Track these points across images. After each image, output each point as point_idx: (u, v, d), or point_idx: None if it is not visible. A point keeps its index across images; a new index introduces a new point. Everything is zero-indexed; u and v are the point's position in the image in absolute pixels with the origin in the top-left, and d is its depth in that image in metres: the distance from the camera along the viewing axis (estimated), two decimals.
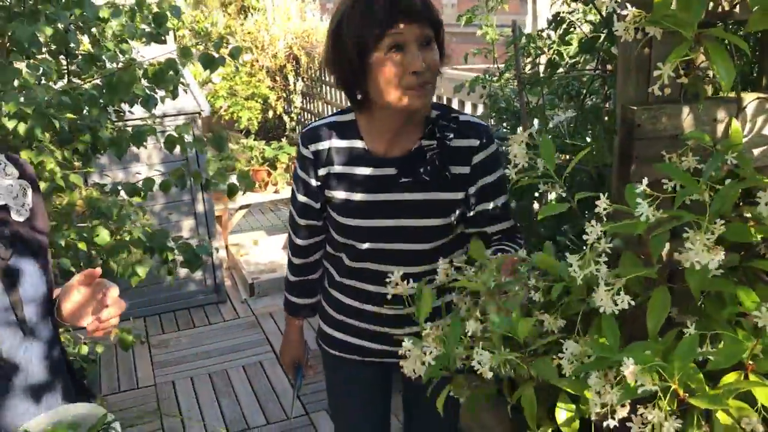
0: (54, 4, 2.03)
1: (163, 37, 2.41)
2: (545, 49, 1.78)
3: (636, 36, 0.97)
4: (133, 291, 4.05)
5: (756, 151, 1.11)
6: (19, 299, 1.23)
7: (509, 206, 1.61)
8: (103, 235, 1.97)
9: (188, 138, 2.34)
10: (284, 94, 6.78)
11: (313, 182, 1.57)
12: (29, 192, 1.32)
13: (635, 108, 1.05)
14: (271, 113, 6.78)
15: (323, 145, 1.53)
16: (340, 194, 1.54)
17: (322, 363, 1.84)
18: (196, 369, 3.59)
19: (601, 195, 0.92)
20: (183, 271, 4.25)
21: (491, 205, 1.54)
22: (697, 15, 0.89)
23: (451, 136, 1.49)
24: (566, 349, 0.96)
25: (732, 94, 1.09)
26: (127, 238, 2.01)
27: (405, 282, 1.25)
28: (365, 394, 1.78)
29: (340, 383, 1.81)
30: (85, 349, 2.88)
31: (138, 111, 2.44)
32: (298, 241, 1.71)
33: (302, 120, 6.91)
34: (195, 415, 3.19)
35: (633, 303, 0.90)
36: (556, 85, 1.84)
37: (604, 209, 0.91)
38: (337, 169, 1.53)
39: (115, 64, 2.21)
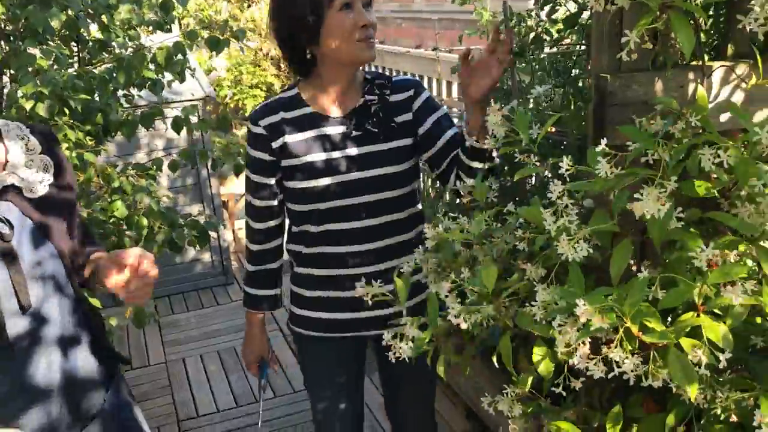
0: None
1: (168, 25, 2.49)
2: (535, 28, 1.86)
3: (606, 7, 1.06)
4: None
5: (722, 117, 1.20)
6: (48, 256, 1.30)
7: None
8: (121, 209, 2.07)
9: (194, 120, 2.43)
10: (288, 82, 6.86)
11: (267, 157, 1.65)
12: (51, 168, 1.36)
13: (607, 76, 1.13)
14: None
15: (274, 119, 1.64)
16: (297, 160, 1.63)
17: (297, 346, 1.89)
18: (206, 347, 3.70)
19: (565, 157, 1.01)
20: (191, 254, 4.37)
21: (452, 131, 1.68)
22: None
23: (389, 92, 1.66)
24: (538, 297, 1.05)
25: (706, 62, 1.17)
26: (141, 212, 2.10)
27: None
28: (340, 370, 1.83)
29: (315, 362, 1.85)
30: None
31: (149, 98, 2.54)
32: (255, 225, 1.76)
33: None
34: (205, 390, 3.30)
35: (590, 251, 0.99)
36: (546, 63, 1.92)
37: (566, 170, 1.00)
38: (290, 137, 1.63)
39: (124, 50, 2.29)
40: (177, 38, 2.37)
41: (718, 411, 1.02)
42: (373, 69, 5.33)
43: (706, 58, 1.25)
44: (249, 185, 1.73)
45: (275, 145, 1.63)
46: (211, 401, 3.21)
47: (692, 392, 0.94)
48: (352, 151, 1.61)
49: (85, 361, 1.40)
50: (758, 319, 1.14)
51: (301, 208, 1.65)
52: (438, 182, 1.72)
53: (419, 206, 1.77)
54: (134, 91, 2.50)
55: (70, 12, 2.22)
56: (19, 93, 1.97)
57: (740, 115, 1.01)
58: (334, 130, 1.62)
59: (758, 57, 1.11)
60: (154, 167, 2.36)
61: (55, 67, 2.13)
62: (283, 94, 1.69)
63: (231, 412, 3.12)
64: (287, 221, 1.79)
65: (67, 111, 1.98)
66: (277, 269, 1.82)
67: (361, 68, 1.68)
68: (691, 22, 1.05)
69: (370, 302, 1.29)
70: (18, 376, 1.29)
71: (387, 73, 4.62)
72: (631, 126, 1.05)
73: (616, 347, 0.96)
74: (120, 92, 2.44)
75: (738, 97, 1.20)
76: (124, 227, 2.09)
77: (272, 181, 1.68)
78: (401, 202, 1.66)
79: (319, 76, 1.62)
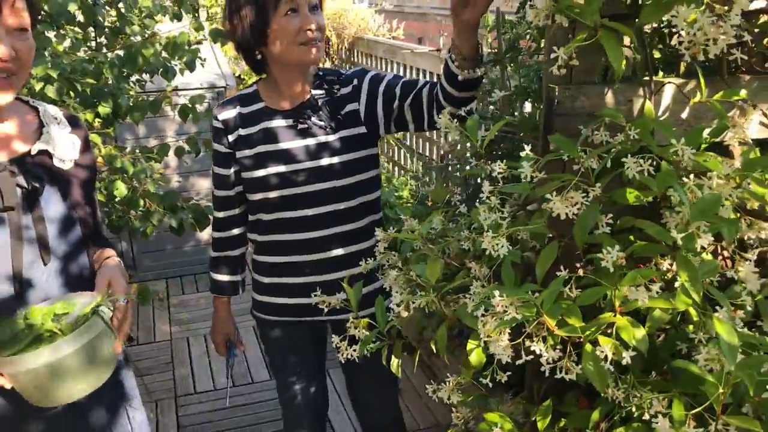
0: None
1: (180, 16, 2.59)
2: (523, 34, 1.91)
3: (555, 21, 1.12)
4: (158, 254, 4.31)
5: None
6: (39, 218, 1.37)
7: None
8: (121, 189, 2.17)
9: (200, 108, 2.52)
10: None
11: (224, 149, 1.77)
12: (78, 146, 1.49)
13: (555, 87, 1.19)
14: None
15: (231, 113, 1.76)
16: (249, 151, 1.74)
17: (260, 332, 1.99)
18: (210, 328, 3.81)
19: (499, 161, 1.08)
20: (205, 238, 4.49)
21: (401, 86, 1.72)
22: (596, 7, 1.03)
23: (338, 87, 1.73)
24: (472, 291, 1.11)
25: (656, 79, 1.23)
26: (138, 193, 2.21)
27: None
28: (298, 353, 1.93)
29: (278, 346, 1.94)
30: None
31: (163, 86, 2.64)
32: (217, 214, 1.89)
33: None
34: (204, 369, 3.41)
35: (510, 248, 1.05)
36: (535, 68, 1.96)
37: (499, 173, 1.07)
38: (245, 131, 1.74)
39: (138, 38, 2.40)
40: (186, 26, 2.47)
41: (633, 409, 1.07)
42: (393, 67, 5.39)
43: (661, 74, 1.30)
44: (213, 177, 1.85)
45: (231, 138, 1.75)
46: (209, 379, 3.32)
47: (600, 387, 1.01)
48: (298, 142, 1.71)
49: None
50: (690, 327, 1.20)
51: (254, 197, 1.76)
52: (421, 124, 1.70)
53: (374, 195, 1.84)
54: (146, 77, 2.60)
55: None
56: (33, 73, 2.08)
57: (664, 129, 1.06)
58: (282, 123, 1.72)
59: (701, 76, 1.15)
60: (159, 155, 2.47)
61: (68, 50, 2.24)
62: (243, 91, 1.81)
63: (225, 392, 3.22)
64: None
65: (72, 94, 2.08)
66: (239, 256, 1.93)
67: (313, 66, 1.76)
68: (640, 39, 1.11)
69: (318, 289, 1.38)
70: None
71: (401, 72, 4.69)
72: (556, 135, 1.11)
73: (538, 341, 1.03)
74: (133, 78, 2.54)
75: (689, 113, 1.25)
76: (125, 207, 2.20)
77: (229, 171, 1.80)
78: (350, 191, 1.74)
79: (271, 74, 1.72)
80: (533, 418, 1.34)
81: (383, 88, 1.72)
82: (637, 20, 1.06)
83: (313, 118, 1.69)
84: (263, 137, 1.72)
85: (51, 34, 2.18)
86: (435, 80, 1.64)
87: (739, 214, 1.10)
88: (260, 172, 1.71)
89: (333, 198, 1.73)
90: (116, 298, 1.37)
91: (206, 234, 4.45)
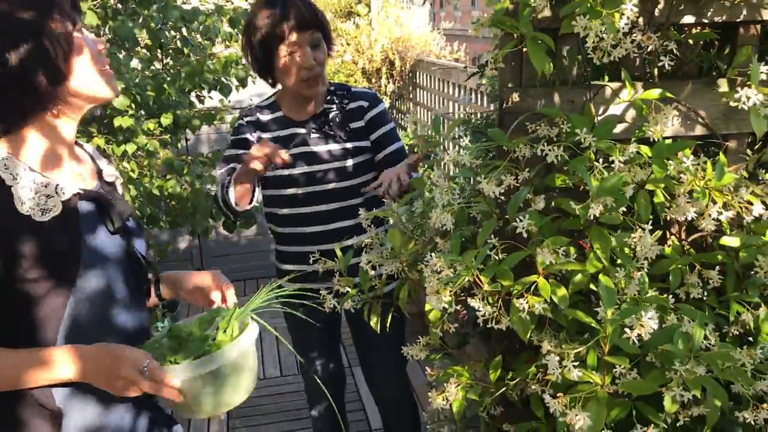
0: (147, 8, 2.59)
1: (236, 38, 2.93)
2: None
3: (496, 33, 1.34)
4: (224, 258, 4.69)
5: (618, 128, 1.44)
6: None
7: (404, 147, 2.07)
8: (175, 186, 2.50)
9: None
10: (379, 95, 7.28)
11: (246, 136, 2.01)
12: (119, 180, 1.48)
13: (507, 89, 1.41)
14: None
15: (253, 118, 2.04)
16: None
17: (284, 316, 2.21)
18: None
19: (451, 150, 1.30)
20: (265, 244, 4.83)
21: (393, 148, 2.02)
22: (525, 21, 1.25)
23: (347, 101, 1.97)
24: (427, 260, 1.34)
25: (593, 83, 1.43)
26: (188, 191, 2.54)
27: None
28: (316, 332, 2.17)
29: (296, 326, 2.19)
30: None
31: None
32: (217, 172, 2.06)
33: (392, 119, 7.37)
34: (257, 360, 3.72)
35: (453, 223, 1.27)
36: None
37: (449, 160, 1.30)
38: (265, 134, 2.01)
39: (193, 57, 2.75)
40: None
41: (557, 359, 1.27)
42: (449, 88, 5.63)
43: (607, 78, 1.50)
44: (222, 159, 2.06)
45: (254, 136, 2.02)
46: (260, 370, 3.62)
47: (522, 336, 1.21)
48: (311, 148, 1.97)
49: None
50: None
51: (270, 192, 2.02)
52: None
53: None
54: (204, 93, 2.95)
55: (153, 24, 2.69)
56: None
57: (574, 120, 1.26)
58: (298, 131, 1.99)
59: (627, 80, 1.35)
60: (211, 162, 2.80)
61: (138, 68, 2.60)
62: (262, 102, 2.10)
63: (275, 380, 3.51)
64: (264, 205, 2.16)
65: (133, 105, 2.43)
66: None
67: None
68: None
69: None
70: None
71: (455, 92, 4.92)
72: (495, 130, 1.32)
73: (477, 298, 1.25)
74: (193, 93, 2.89)
75: (630, 114, 1.44)
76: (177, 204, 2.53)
77: (239, 150, 2.02)
78: (355, 190, 2.00)
79: (285, 89, 2.01)
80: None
81: (379, 138, 2.03)
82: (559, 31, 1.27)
83: (325, 128, 1.96)
84: (282, 141, 1.99)
85: (121, 55, 2.54)
86: None
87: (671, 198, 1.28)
88: (277, 172, 1.99)
89: (341, 197, 2.00)
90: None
91: (267, 241, 4.80)
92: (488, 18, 1.28)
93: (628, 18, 1.13)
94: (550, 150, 1.23)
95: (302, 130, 2.00)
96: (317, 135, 1.98)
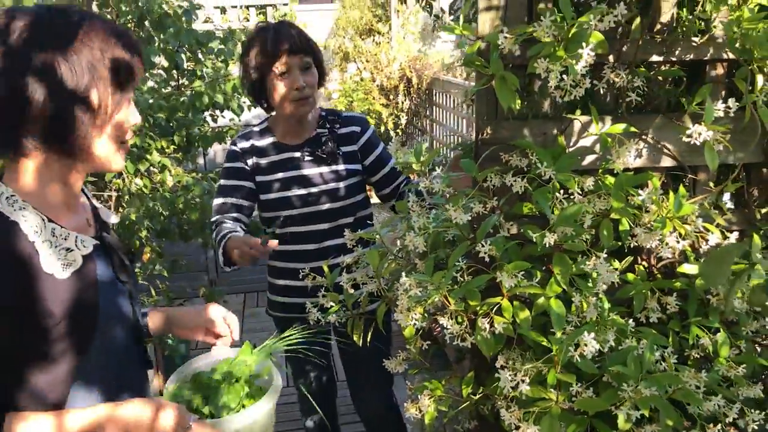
0: (163, 32, 2.72)
1: None
2: None
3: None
4: (239, 270, 4.81)
5: (587, 160, 1.53)
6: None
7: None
8: (180, 203, 2.63)
9: None
10: (396, 112, 7.41)
11: (239, 165, 2.11)
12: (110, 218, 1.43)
13: (482, 121, 1.50)
14: (383, 128, 7.42)
15: (246, 145, 2.13)
16: (265, 177, 2.10)
17: (276, 328, 2.30)
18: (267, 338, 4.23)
19: (425, 178, 1.40)
20: None
21: (388, 168, 2.14)
22: (494, 62, 1.34)
23: (338, 126, 2.09)
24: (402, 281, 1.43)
25: (565, 116, 1.52)
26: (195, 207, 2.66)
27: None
28: (312, 345, 2.23)
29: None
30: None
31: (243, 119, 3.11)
32: (213, 219, 2.09)
33: (408, 136, 7.49)
34: None
35: (426, 246, 1.36)
36: None
37: (424, 187, 1.39)
38: (260, 160, 2.11)
39: (206, 79, 2.88)
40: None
41: (518, 375, 1.35)
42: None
43: (579, 112, 1.59)
44: (218, 190, 2.14)
45: (250, 162, 2.11)
46: None
47: (485, 353, 1.30)
48: (306, 171, 2.08)
49: None
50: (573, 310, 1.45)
51: (267, 214, 2.12)
52: (380, 200, 2.22)
53: (367, 212, 2.22)
54: (217, 112, 3.07)
55: (170, 47, 2.82)
56: None
57: (539, 152, 1.34)
58: (292, 155, 2.09)
59: (594, 114, 1.43)
60: (216, 173, 2.93)
61: (152, 90, 2.73)
62: (255, 127, 2.20)
63: (282, 390, 3.60)
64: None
65: (147, 125, 2.56)
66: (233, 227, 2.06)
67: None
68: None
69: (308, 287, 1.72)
70: None
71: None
72: (466, 160, 1.41)
73: (445, 317, 1.34)
74: (207, 112, 3.02)
75: (598, 146, 1.52)
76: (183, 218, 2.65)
77: (236, 182, 2.10)
78: (350, 209, 2.10)
79: (278, 115, 2.11)
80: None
81: (373, 161, 2.15)
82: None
83: (318, 152, 2.07)
84: (277, 166, 2.10)
85: None
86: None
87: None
88: (276, 195, 2.10)
89: (336, 215, 2.10)
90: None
91: None
92: (461, 58, 1.37)
93: (586, 62, 1.22)
94: (515, 181, 1.32)
95: (296, 155, 2.10)
96: (310, 159, 2.09)
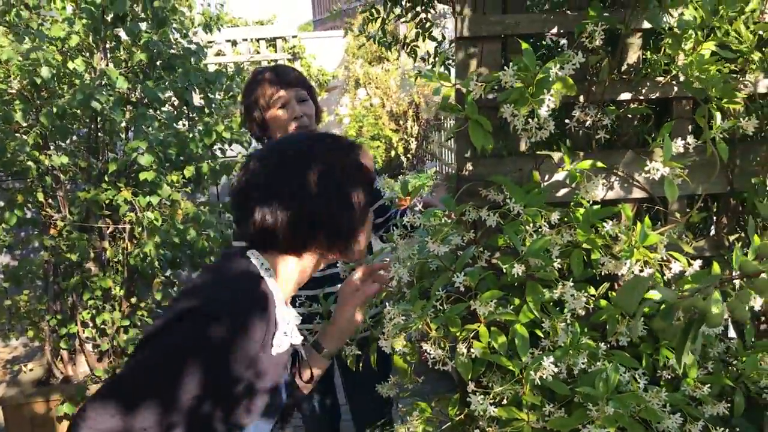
0: (172, 72, 2.87)
1: None
2: None
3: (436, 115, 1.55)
4: None
5: (555, 192, 1.63)
6: None
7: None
8: (193, 234, 2.75)
9: None
10: (405, 137, 7.55)
11: None
12: None
13: (462, 158, 1.61)
14: (393, 153, 7.57)
15: None
16: None
17: None
18: None
19: (409, 212, 1.51)
20: None
21: (382, 200, 2.24)
22: (469, 106, 1.46)
23: None
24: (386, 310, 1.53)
25: (539, 153, 1.62)
26: (206, 240, 2.79)
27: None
28: None
29: None
30: None
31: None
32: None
33: (418, 160, 7.62)
34: None
35: (410, 277, 1.46)
36: None
37: (407, 221, 1.50)
38: None
39: (216, 116, 3.02)
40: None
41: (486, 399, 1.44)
42: None
43: (554, 148, 1.69)
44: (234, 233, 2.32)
45: None
46: None
47: (464, 377, 1.39)
48: None
49: None
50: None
51: None
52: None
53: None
54: (226, 146, 3.21)
55: (179, 85, 2.97)
56: (132, 144, 2.72)
57: (509, 189, 1.45)
58: None
59: (565, 151, 1.54)
60: (214, 206, 3.07)
61: (162, 127, 2.87)
62: None
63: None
64: None
65: (158, 160, 2.70)
66: None
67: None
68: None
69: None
70: None
71: None
72: (445, 196, 1.52)
73: (429, 342, 1.44)
74: (216, 146, 3.16)
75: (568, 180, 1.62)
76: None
77: None
78: None
79: None
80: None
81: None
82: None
83: None
84: None
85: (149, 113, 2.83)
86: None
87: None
88: None
89: None
90: None
91: None
92: (437, 103, 1.49)
93: (548, 107, 1.33)
94: (488, 215, 1.42)
95: None
96: None
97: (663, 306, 1.03)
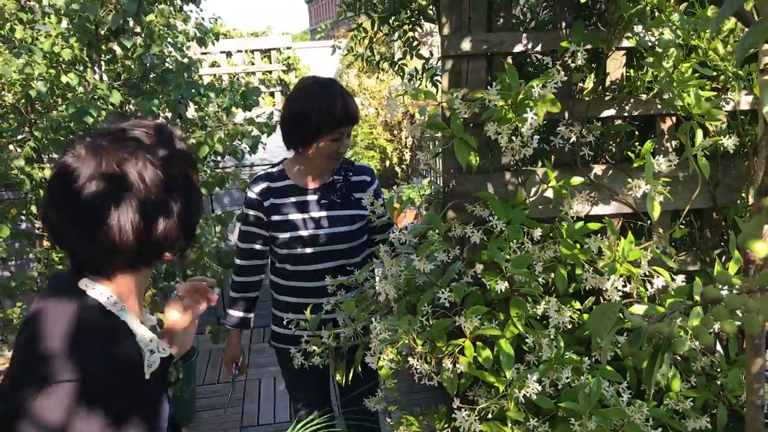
0: (166, 85, 2.89)
1: (249, 108, 3.22)
2: None
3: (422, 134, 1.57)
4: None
5: (540, 208, 1.65)
6: None
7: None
8: (189, 252, 2.77)
9: None
10: (399, 147, 7.56)
11: (256, 213, 2.26)
12: None
13: (448, 174, 1.64)
14: (387, 163, 7.58)
15: (262, 187, 2.26)
16: (280, 217, 2.23)
17: (278, 360, 2.43)
18: (278, 372, 4.34)
19: (402, 230, 1.53)
20: None
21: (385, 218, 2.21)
22: (454, 124, 1.48)
23: (351, 174, 2.23)
24: (372, 325, 1.55)
25: (524, 169, 1.64)
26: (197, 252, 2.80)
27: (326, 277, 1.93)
28: (305, 375, 2.32)
29: (291, 370, 2.37)
30: None
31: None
32: (240, 263, 2.35)
33: (413, 170, 7.63)
34: (269, 405, 3.93)
35: (398, 293, 1.48)
36: None
37: (396, 237, 1.52)
38: (276, 200, 2.24)
39: (207, 128, 3.04)
40: (261, 114, 3.10)
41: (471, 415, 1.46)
42: None
43: (539, 164, 1.71)
44: (240, 234, 2.34)
45: (266, 204, 2.24)
46: (272, 415, 3.83)
47: (450, 391, 1.41)
48: (320, 214, 2.21)
49: None
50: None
51: (282, 251, 2.25)
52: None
53: (371, 250, 2.34)
54: (219, 158, 3.23)
55: (172, 98, 2.99)
56: None
57: (493, 206, 1.47)
58: (309, 198, 2.22)
59: (549, 168, 1.56)
60: (226, 221, 3.08)
61: None
62: (270, 170, 2.32)
63: (285, 425, 3.71)
64: (270, 260, 2.39)
65: None
66: (253, 299, 2.40)
67: None
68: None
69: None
70: None
71: None
72: (431, 213, 1.54)
73: (415, 357, 1.45)
74: (209, 158, 3.18)
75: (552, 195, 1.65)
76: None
77: (256, 230, 2.29)
78: (352, 251, 2.23)
79: (301, 159, 2.24)
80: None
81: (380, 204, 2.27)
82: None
83: (332, 197, 2.20)
84: (293, 208, 2.24)
85: None
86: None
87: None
88: (290, 234, 2.23)
89: (342, 256, 2.23)
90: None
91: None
92: (425, 121, 1.51)
93: (531, 125, 1.35)
94: (472, 232, 1.44)
95: (312, 198, 2.25)
96: (326, 202, 2.23)
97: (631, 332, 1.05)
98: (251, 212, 2.30)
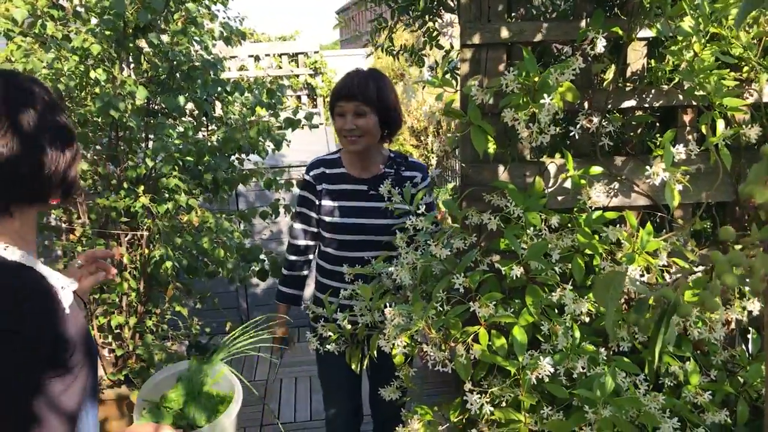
0: (192, 83, 2.93)
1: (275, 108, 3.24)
2: None
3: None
4: (267, 308, 4.96)
5: (559, 198, 1.64)
6: None
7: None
8: (208, 243, 2.79)
9: (281, 180, 3.14)
10: (425, 152, 7.57)
11: (310, 196, 2.32)
12: None
13: (466, 163, 1.63)
14: None
15: (318, 171, 2.32)
16: (330, 202, 2.28)
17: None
18: (301, 372, 4.35)
19: (413, 217, 1.53)
20: (306, 296, 5.09)
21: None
22: (472, 111, 1.48)
23: (404, 168, 2.21)
24: (387, 311, 1.55)
25: (542, 160, 1.64)
26: (218, 246, 2.82)
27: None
28: (341, 367, 2.36)
29: (328, 357, 2.39)
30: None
31: (270, 162, 3.29)
32: (294, 242, 2.42)
33: (438, 175, 7.62)
34: (290, 404, 3.94)
35: (413, 280, 1.48)
36: None
37: (411, 225, 1.52)
38: (328, 186, 2.29)
39: (231, 125, 3.07)
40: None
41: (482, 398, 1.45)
42: None
43: (558, 155, 1.70)
44: (294, 215, 2.43)
45: (318, 188, 2.30)
46: (292, 413, 3.83)
47: (463, 377, 1.40)
48: (367, 203, 2.24)
49: None
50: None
51: (328, 235, 2.30)
52: None
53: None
54: (243, 156, 3.26)
55: (198, 95, 3.03)
56: (150, 153, 2.78)
57: (512, 194, 1.46)
58: (358, 187, 2.26)
59: (569, 158, 1.55)
60: (248, 216, 3.10)
61: (182, 136, 2.93)
62: (327, 156, 2.39)
63: (305, 423, 3.72)
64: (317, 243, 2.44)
65: (176, 168, 2.75)
66: (303, 277, 2.47)
67: (385, 146, 2.34)
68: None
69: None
70: None
71: None
72: (448, 200, 1.54)
73: (430, 345, 1.45)
74: (233, 156, 3.21)
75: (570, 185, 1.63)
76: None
77: (309, 212, 2.35)
78: (390, 243, 2.24)
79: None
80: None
81: (426, 204, 2.28)
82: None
83: (381, 188, 2.22)
84: (343, 195, 2.29)
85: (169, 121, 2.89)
86: None
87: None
88: (338, 220, 2.27)
89: (378, 247, 2.24)
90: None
91: (308, 293, 5.05)
92: (441, 108, 1.51)
93: (548, 111, 1.35)
94: (489, 219, 1.44)
95: (362, 187, 2.28)
96: (374, 193, 2.25)
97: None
98: (304, 194, 2.37)
